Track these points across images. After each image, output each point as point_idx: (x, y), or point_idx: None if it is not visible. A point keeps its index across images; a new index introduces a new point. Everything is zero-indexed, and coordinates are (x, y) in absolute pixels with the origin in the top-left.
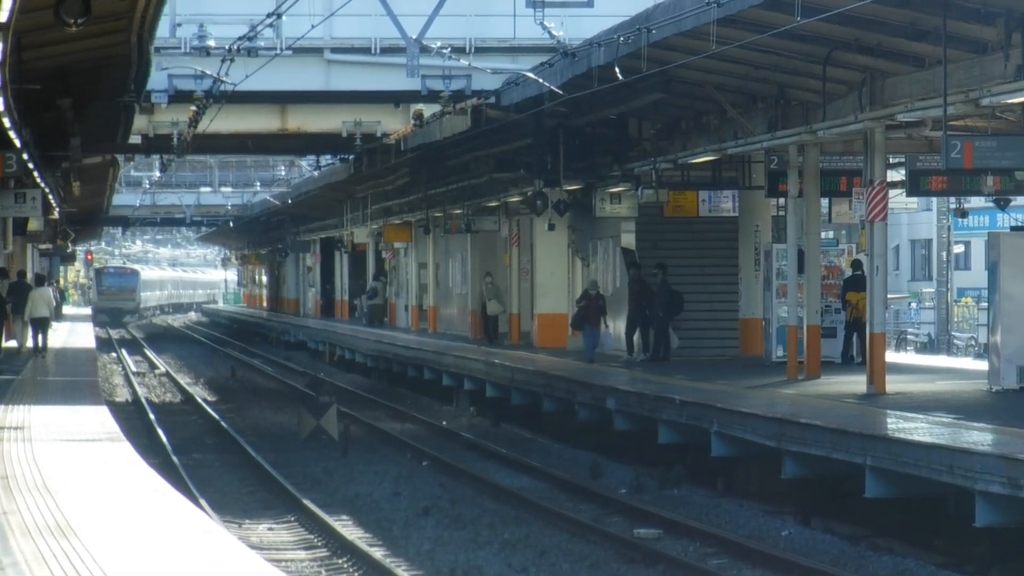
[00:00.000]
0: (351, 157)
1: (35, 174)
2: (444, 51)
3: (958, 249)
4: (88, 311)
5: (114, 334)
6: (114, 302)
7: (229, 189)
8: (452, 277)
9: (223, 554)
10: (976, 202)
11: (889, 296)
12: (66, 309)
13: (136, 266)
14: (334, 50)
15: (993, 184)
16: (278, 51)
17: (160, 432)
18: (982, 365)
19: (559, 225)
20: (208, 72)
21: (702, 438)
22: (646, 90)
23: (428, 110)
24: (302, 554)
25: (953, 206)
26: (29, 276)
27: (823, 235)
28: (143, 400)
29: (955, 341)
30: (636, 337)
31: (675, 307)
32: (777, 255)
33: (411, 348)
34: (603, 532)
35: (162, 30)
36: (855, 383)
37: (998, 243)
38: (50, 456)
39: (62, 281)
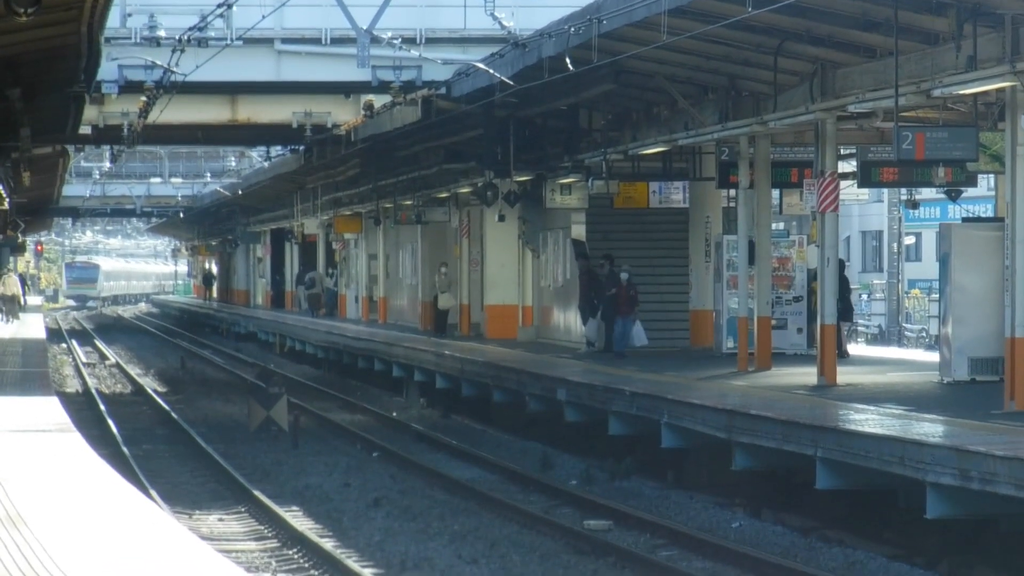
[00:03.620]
0: (301, 148)
1: None
2: (395, 42)
3: (909, 240)
4: (38, 300)
5: (64, 324)
6: (80, 290)
7: (179, 180)
8: (402, 268)
9: (173, 544)
10: (927, 193)
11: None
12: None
13: (98, 259)
14: (284, 40)
15: (944, 175)
16: (228, 41)
17: (111, 423)
18: (933, 357)
19: (509, 216)
20: (158, 62)
21: (652, 429)
22: (597, 81)
23: (378, 101)
24: (252, 545)
25: (904, 197)
26: None
27: (774, 226)
28: (93, 391)
29: (906, 333)
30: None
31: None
32: (728, 246)
33: (361, 339)
34: (553, 523)
35: (112, 20)
36: (806, 375)
37: (949, 234)
38: None
39: (23, 267)
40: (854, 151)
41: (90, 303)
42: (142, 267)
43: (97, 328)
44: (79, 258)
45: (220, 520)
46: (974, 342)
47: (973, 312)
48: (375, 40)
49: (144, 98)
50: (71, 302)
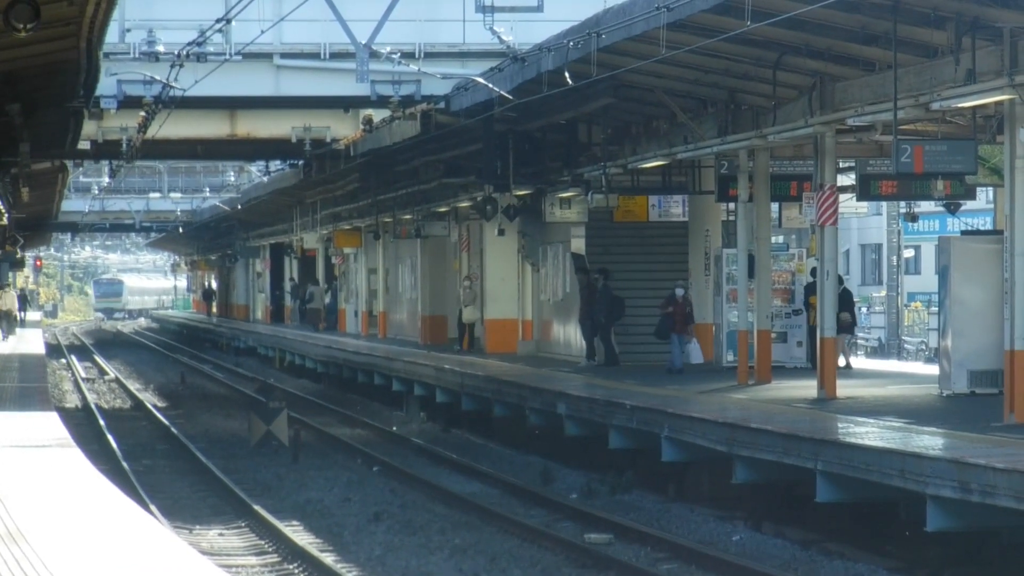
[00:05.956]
0: (301, 163)
1: None
2: (394, 56)
3: (908, 253)
4: (37, 316)
5: (63, 340)
6: (107, 304)
7: (178, 195)
8: (402, 282)
9: (173, 559)
10: (926, 206)
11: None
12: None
13: (121, 276)
14: (284, 55)
15: (943, 188)
16: (227, 56)
17: (110, 438)
18: (932, 369)
19: (509, 230)
20: (157, 77)
21: (653, 443)
22: (596, 95)
23: (378, 115)
24: (253, 560)
25: (903, 210)
26: None
27: (773, 240)
28: (93, 406)
29: (905, 345)
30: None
31: (616, 313)
32: (727, 260)
33: (361, 353)
34: (554, 537)
35: (111, 35)
36: (806, 388)
37: (948, 247)
38: None
39: (21, 282)
40: (853, 164)
41: (116, 314)
42: (160, 282)
43: (96, 344)
44: (105, 276)
45: (220, 535)
46: (974, 355)
47: (972, 325)
48: (374, 55)
49: (143, 113)
50: (99, 314)
